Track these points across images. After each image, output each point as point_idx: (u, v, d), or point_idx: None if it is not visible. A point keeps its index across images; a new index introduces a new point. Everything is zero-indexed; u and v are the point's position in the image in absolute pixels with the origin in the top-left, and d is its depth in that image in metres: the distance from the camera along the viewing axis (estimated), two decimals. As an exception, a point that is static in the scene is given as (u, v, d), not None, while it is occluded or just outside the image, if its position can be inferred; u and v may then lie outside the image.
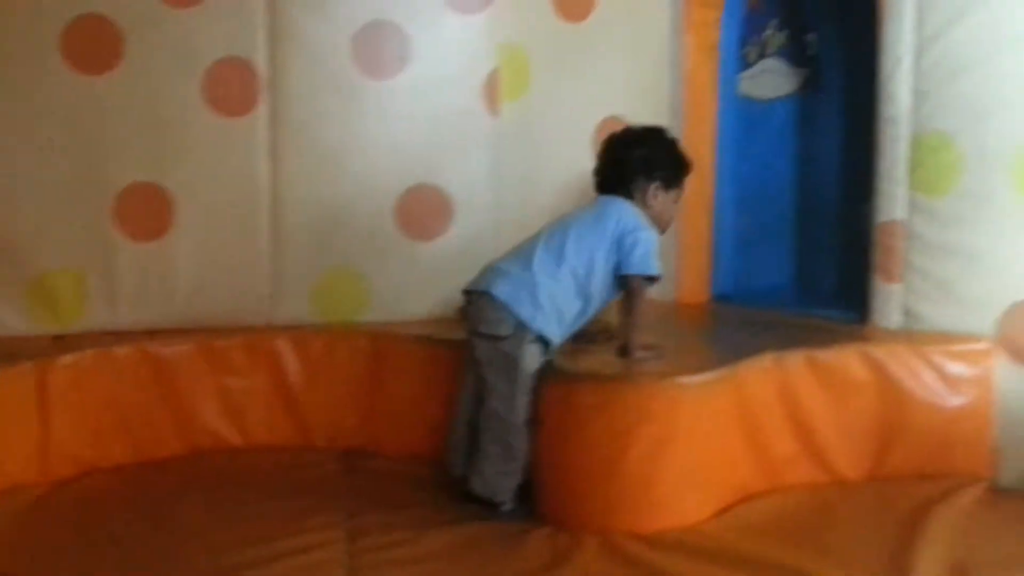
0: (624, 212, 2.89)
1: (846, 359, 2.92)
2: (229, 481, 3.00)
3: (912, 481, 2.87)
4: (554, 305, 2.78)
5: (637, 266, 2.81)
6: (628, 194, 2.95)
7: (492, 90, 3.45)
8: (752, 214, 3.92)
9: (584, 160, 3.58)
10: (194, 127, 3.30)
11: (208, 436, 3.23)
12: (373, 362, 3.26)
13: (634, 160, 2.98)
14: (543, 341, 2.78)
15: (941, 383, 2.92)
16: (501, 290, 2.78)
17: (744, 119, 3.99)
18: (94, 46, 3.23)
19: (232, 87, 3.32)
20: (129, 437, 3.12)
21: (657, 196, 2.97)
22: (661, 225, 2.98)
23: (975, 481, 2.87)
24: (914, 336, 3.04)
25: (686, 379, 2.67)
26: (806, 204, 4.11)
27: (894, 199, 3.14)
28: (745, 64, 4.05)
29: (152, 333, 3.25)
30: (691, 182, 3.72)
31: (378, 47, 3.37)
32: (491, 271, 2.86)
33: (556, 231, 2.89)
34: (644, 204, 2.95)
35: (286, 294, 3.39)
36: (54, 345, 3.13)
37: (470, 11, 3.40)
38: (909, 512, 2.66)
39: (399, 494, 2.91)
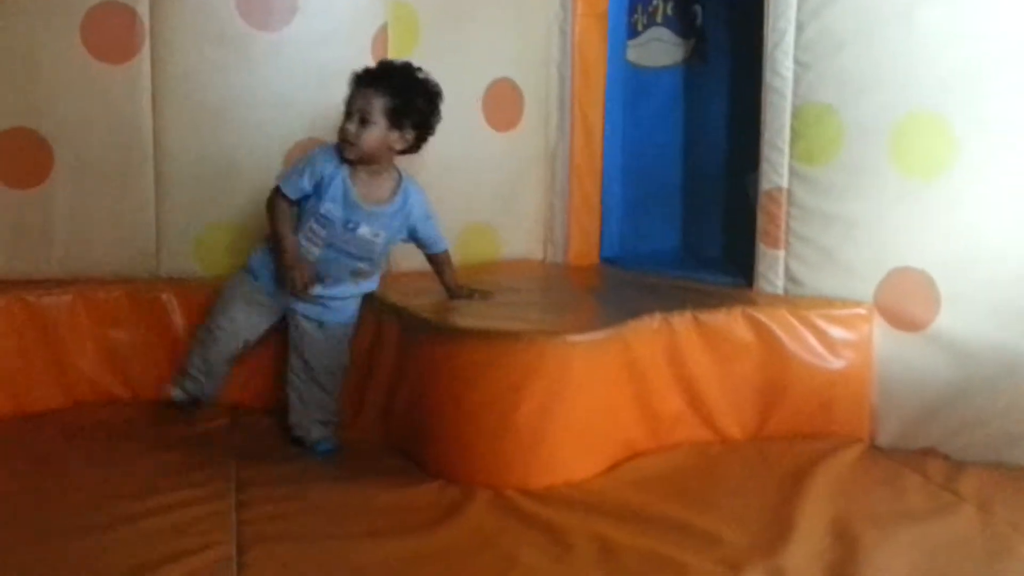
0: None
1: (731, 321, 2.97)
2: (114, 434, 2.93)
3: (794, 441, 2.94)
4: None
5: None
6: None
7: (380, 46, 3.41)
8: (640, 180, 3.96)
9: (474, 120, 3.61)
10: (72, 73, 3.20)
11: (91, 389, 3.15)
12: (259, 316, 3.20)
13: None
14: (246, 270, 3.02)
15: (822, 346, 2.99)
16: None
17: (632, 87, 4.03)
18: (-35, -14, 3.10)
19: (112, 33, 3.21)
20: (8, 388, 3.02)
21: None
22: (340, 143, 2.88)
23: (854, 441, 2.95)
24: (797, 301, 3.11)
25: (576, 337, 2.69)
26: (693, 172, 4.17)
27: (777, 168, 3.20)
28: (634, 32, 4.09)
29: (31, 282, 3.14)
30: (580, 147, 3.83)
31: (265, -1, 3.29)
32: None
33: None
34: None
35: (170, 247, 3.31)
36: (-74, 293, 3.00)
37: (355, -38, 3.36)
38: (791, 470, 2.73)
39: (286, 449, 2.89)
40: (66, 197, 3.22)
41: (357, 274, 2.96)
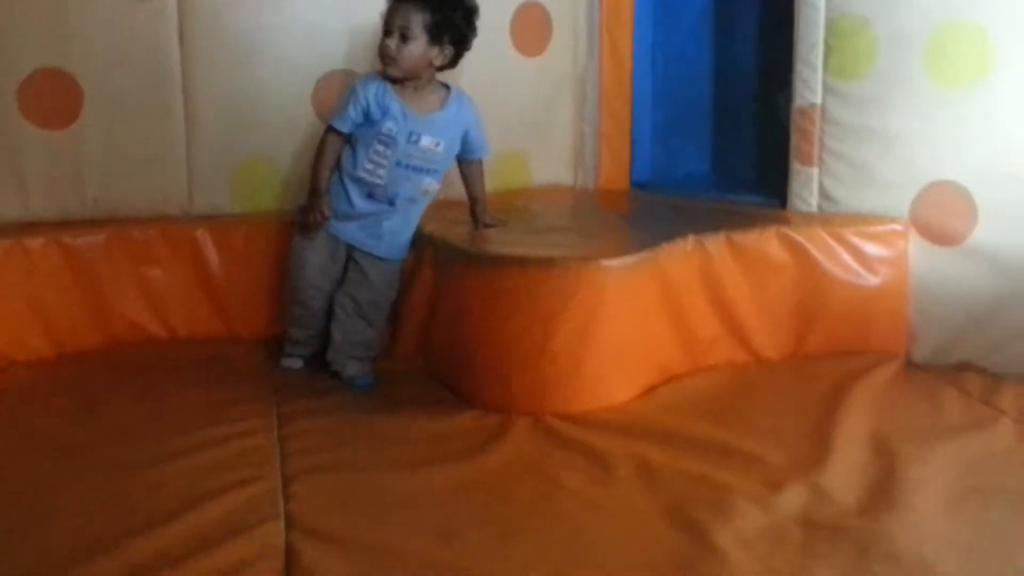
0: None
1: (765, 241, 2.95)
2: (153, 372, 2.95)
3: (831, 359, 2.93)
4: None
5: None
6: None
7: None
8: (670, 103, 3.92)
9: (503, 46, 3.57)
10: (100, 10, 3.17)
11: (129, 328, 3.17)
12: (294, 251, 3.21)
13: None
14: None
15: (858, 264, 2.97)
16: None
17: (661, 7, 3.97)
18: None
19: (139, -33, 3.19)
20: (47, 329, 3.05)
21: None
22: (380, 58, 2.92)
23: (891, 358, 2.95)
24: (831, 218, 3.08)
25: (610, 261, 2.67)
26: (724, 92, 4.11)
27: (811, 84, 3.16)
28: (661, -47, 4.03)
29: (65, 224, 3.16)
30: (609, 71, 3.78)
31: (291, -75, 3.26)
32: None
33: None
34: None
35: (203, 183, 3.31)
36: (-38, 238, 3.03)
37: None
38: (829, 388, 2.73)
39: (325, 381, 2.91)
40: (97, 136, 3.22)
41: (425, 191, 2.99)
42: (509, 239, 2.93)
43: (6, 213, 3.18)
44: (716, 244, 2.91)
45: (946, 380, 2.81)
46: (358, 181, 2.92)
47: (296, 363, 3.04)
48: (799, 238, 2.96)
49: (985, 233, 2.88)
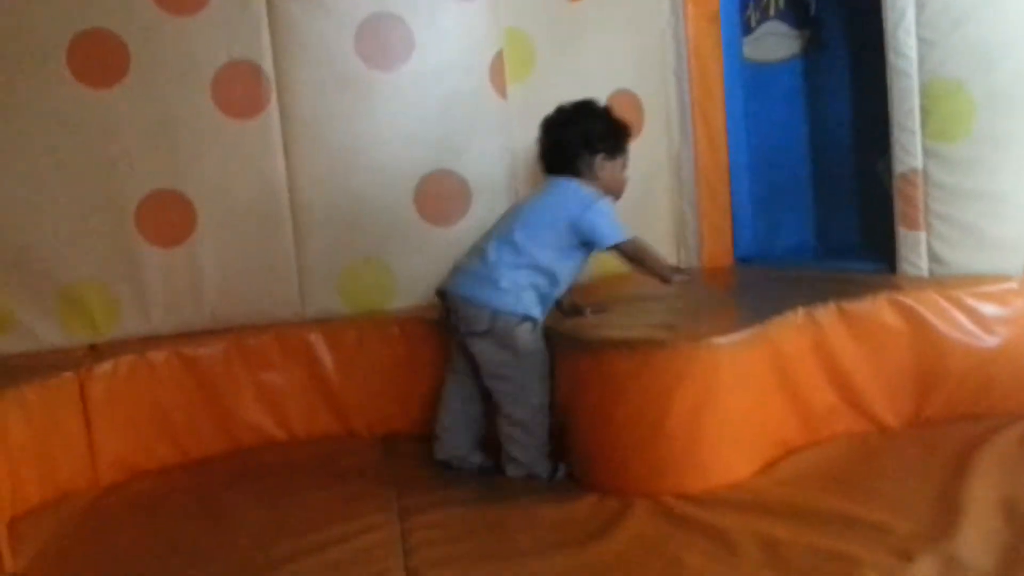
0: (571, 194, 2.95)
1: (877, 308, 2.92)
2: (275, 474, 3.03)
3: (954, 423, 2.87)
4: (518, 286, 2.87)
5: (610, 238, 2.88)
6: (576, 171, 3.01)
7: (498, 73, 3.47)
8: (768, 176, 3.92)
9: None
10: (207, 131, 3.33)
11: (250, 432, 3.27)
12: (404, 348, 3.29)
13: (573, 137, 3.02)
14: (529, 319, 2.87)
15: (974, 325, 2.92)
16: (464, 287, 2.90)
17: (751, 83, 3.98)
18: (101, 60, 3.25)
19: (241, 89, 3.33)
20: (172, 438, 3.17)
21: (604, 167, 3.01)
22: (614, 192, 3.04)
23: (1016, 419, 2.86)
24: (943, 281, 3.04)
25: (720, 339, 2.67)
26: (821, 162, 4.11)
27: (910, 149, 3.14)
28: (748, 29, 4.05)
29: (185, 336, 3.28)
30: (704, 149, 3.80)
31: (381, 39, 3.37)
32: (454, 270, 2.97)
33: (507, 220, 3.00)
34: (593, 177, 3.00)
35: (313, 288, 3.41)
36: (90, 354, 3.17)
37: (465, -2, 3.42)
38: (953, 453, 2.67)
39: (443, 474, 2.94)
40: (211, 251, 3.35)
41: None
42: (618, 322, 2.94)
43: (130, 328, 3.33)
44: (827, 314, 2.89)
45: (1076, 439, 2.73)
46: (549, 298, 2.94)
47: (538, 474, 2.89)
48: (912, 303, 2.93)
49: (1102, 285, 2.82)
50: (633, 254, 2.93)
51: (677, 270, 3.05)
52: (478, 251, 2.94)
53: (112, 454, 3.04)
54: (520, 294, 2.86)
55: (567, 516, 2.54)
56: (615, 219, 2.91)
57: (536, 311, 2.88)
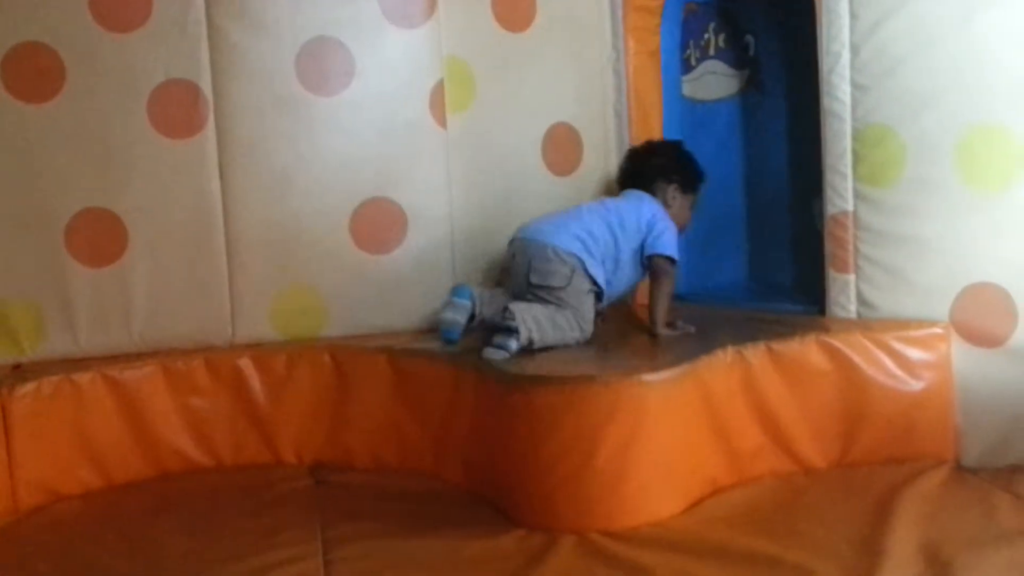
0: (655, 203, 3.33)
1: (805, 349, 2.95)
2: (200, 501, 2.98)
3: (879, 466, 2.90)
4: (600, 256, 3.16)
5: (664, 247, 3.22)
6: (652, 193, 3.38)
7: (438, 102, 3.46)
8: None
9: (534, 166, 3.63)
10: (142, 150, 3.28)
11: (176, 458, 3.21)
12: (335, 376, 3.25)
13: (655, 166, 3.44)
14: (596, 294, 3.16)
15: (901, 369, 2.96)
16: (556, 238, 3.13)
17: (690, 121, 4.03)
18: (35, 74, 3.20)
19: (178, 109, 3.29)
20: (96, 462, 3.10)
21: (676, 198, 3.41)
22: (679, 224, 3.37)
23: (940, 463, 2.91)
24: (871, 324, 3.07)
25: (650, 376, 2.68)
26: (757, 201, 4.15)
27: (841, 191, 3.18)
28: (687, 67, 4.10)
29: (112, 358, 3.22)
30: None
31: (322, 64, 3.36)
32: (543, 223, 3.21)
33: (598, 205, 3.32)
34: (664, 203, 3.36)
35: (245, 313, 3.37)
36: (13, 374, 3.10)
37: (412, 26, 3.40)
38: (877, 496, 2.70)
39: (370, 505, 2.91)
40: (142, 272, 3.29)
41: None
42: (548, 357, 2.94)
43: (56, 349, 3.26)
44: (756, 354, 2.91)
45: (998, 484, 2.76)
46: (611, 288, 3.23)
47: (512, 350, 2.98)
48: (840, 345, 2.96)
49: (1028, 333, 2.86)
50: (664, 277, 3.22)
51: (673, 325, 3.23)
52: (570, 216, 3.23)
53: (33, 477, 2.97)
54: (599, 261, 3.15)
55: (492, 551, 2.53)
56: (676, 241, 3.26)
57: (602, 282, 3.16)
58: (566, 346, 3.04)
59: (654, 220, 3.24)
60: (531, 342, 2.96)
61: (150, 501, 3.01)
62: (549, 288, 3.07)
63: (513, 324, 2.94)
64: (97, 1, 3.22)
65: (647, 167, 3.45)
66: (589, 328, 3.10)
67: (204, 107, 3.30)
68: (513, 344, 2.94)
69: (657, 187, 3.39)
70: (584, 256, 3.11)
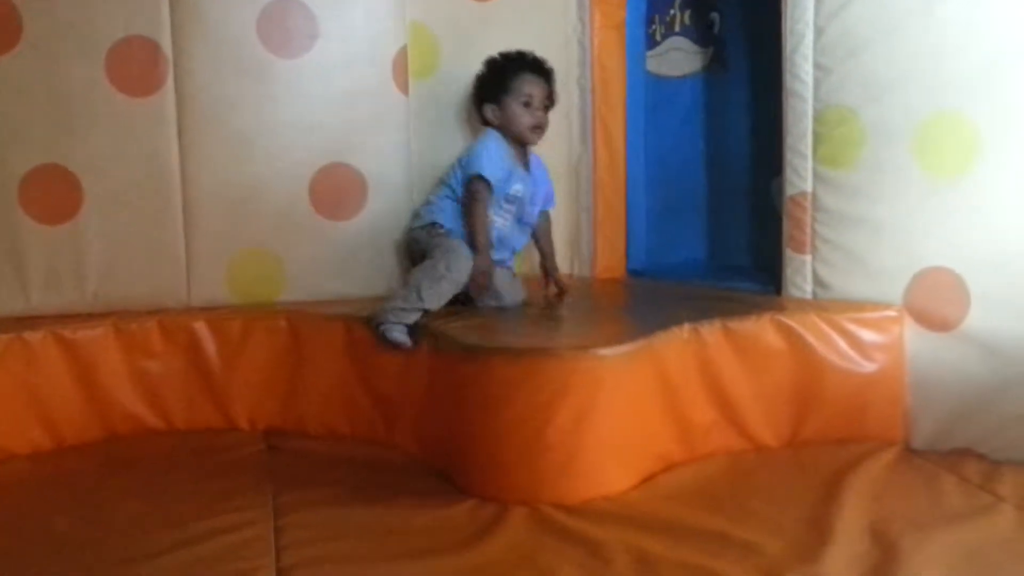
0: (475, 142, 3.33)
1: (760, 328, 2.96)
2: (151, 464, 2.96)
3: (829, 446, 2.93)
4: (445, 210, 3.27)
5: (469, 167, 3.23)
6: (487, 122, 3.37)
7: (401, 69, 3.45)
8: (664, 191, 3.97)
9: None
10: (99, 107, 3.24)
11: (127, 420, 3.18)
12: (291, 342, 3.23)
13: (472, 99, 3.45)
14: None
15: (854, 350, 2.98)
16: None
17: (653, 97, 4.03)
18: (-10, 27, 3.15)
19: (137, 67, 3.26)
20: (47, 423, 3.07)
21: (497, 112, 3.33)
22: (520, 134, 3.32)
23: (889, 444, 2.94)
24: (826, 305, 3.09)
25: (605, 351, 2.68)
26: (717, 180, 4.17)
27: (801, 172, 3.20)
28: (652, 42, 4.10)
29: (65, 317, 3.18)
30: (603, 160, 3.83)
31: (285, 25, 3.33)
32: None
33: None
34: (496, 125, 3.34)
35: (201, 276, 3.34)
36: (-38, 332, 3.06)
37: (374, -12, 3.40)
38: (827, 476, 2.72)
39: (322, 472, 2.90)
40: (97, 231, 3.26)
41: (521, 246, 3.42)
42: (504, 328, 2.95)
43: (7, 307, 3.22)
44: (712, 332, 2.92)
45: (945, 467, 2.79)
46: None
47: (401, 337, 3.00)
48: (794, 325, 2.97)
49: (979, 318, 2.88)
50: (470, 195, 3.21)
51: (484, 270, 3.16)
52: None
53: (-21, 436, 2.94)
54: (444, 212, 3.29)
55: (443, 521, 2.52)
56: (486, 159, 3.22)
57: (448, 222, 3.26)
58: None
59: (465, 156, 3.31)
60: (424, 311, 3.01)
61: (100, 463, 2.98)
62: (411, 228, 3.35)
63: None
64: (57, -46, 3.17)
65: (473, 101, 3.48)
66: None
67: (164, 65, 3.27)
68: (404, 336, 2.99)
69: (482, 114, 3.39)
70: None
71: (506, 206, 3.28)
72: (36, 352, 3.05)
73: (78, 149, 3.24)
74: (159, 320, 3.22)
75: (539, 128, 3.31)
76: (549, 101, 3.35)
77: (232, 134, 3.33)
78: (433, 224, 3.23)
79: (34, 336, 3.06)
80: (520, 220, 3.34)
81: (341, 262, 3.41)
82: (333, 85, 3.37)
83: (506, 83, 3.31)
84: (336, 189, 3.40)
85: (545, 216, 3.49)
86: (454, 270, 3.04)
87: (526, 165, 3.36)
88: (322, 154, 3.39)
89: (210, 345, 3.24)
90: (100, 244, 3.27)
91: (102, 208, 3.26)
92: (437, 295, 3.02)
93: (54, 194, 3.23)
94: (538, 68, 3.35)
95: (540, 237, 3.47)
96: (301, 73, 3.36)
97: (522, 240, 3.43)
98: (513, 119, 3.29)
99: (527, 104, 3.29)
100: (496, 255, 3.25)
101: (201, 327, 3.24)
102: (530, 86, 3.30)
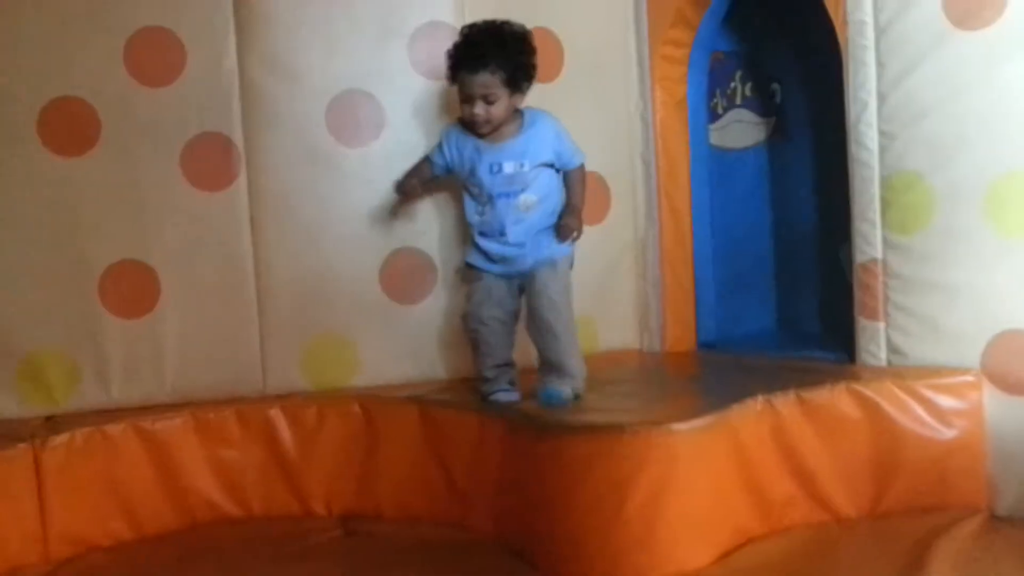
0: None
1: (836, 398, 2.93)
2: (230, 552, 2.98)
3: (911, 515, 2.87)
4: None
5: None
6: None
7: (467, 152, 3.49)
8: (732, 262, 3.96)
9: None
10: (175, 202, 3.34)
11: (206, 509, 3.23)
12: (365, 426, 3.26)
13: None
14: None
15: (932, 417, 2.93)
16: None
17: (717, 169, 4.05)
18: (71, 128, 3.27)
19: (210, 162, 3.35)
20: (127, 513, 3.12)
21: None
22: (469, 125, 3.10)
23: (973, 512, 2.87)
24: (902, 372, 3.05)
25: (680, 426, 2.66)
26: (785, 249, 4.16)
27: (870, 239, 3.18)
28: (714, 116, 4.12)
29: (144, 409, 3.25)
30: (669, 234, 3.83)
31: (352, 116, 3.41)
32: None
33: None
34: None
35: (276, 363, 3.40)
36: (46, 426, 3.13)
37: (440, 76, 3.42)
38: (910, 546, 2.66)
39: (399, 556, 2.90)
40: (174, 323, 3.34)
41: (528, 206, 3.07)
42: (579, 406, 2.94)
43: (88, 401, 3.30)
44: (786, 403, 2.89)
45: (1031, 533, 2.74)
46: (475, 228, 3.12)
47: (501, 396, 3.06)
48: (870, 393, 2.93)
49: (1059, 380, 2.84)
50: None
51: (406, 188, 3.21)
52: None
53: (65, 528, 2.99)
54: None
55: (522, 603, 2.52)
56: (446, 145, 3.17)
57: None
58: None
59: None
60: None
61: (180, 552, 3.01)
62: None
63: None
64: (132, 55, 3.29)
65: None
66: None
67: (236, 159, 3.36)
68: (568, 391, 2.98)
69: None
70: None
71: (474, 191, 3.11)
72: (117, 444, 3.11)
73: (155, 244, 3.33)
74: (236, 409, 3.27)
75: (474, 123, 3.05)
76: (501, 88, 3.00)
77: (303, 223, 3.40)
78: (467, 266, 3.19)
79: (115, 428, 3.12)
80: (499, 195, 3.06)
81: (412, 345, 3.45)
82: (399, 171, 3.40)
83: (453, 77, 3.10)
84: (406, 273, 3.45)
85: (567, 175, 3.18)
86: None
87: (506, 134, 3.08)
88: (391, 239, 3.44)
89: (285, 432, 3.28)
90: (177, 335, 3.35)
91: (179, 300, 3.34)
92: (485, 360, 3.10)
93: (132, 288, 3.32)
94: (469, 63, 3.01)
95: (567, 194, 3.21)
96: (368, 161, 3.43)
97: (515, 210, 3.07)
98: (463, 112, 3.08)
99: (467, 100, 3.04)
100: (495, 248, 3.10)
101: (276, 414, 3.28)
102: (465, 83, 3.03)
